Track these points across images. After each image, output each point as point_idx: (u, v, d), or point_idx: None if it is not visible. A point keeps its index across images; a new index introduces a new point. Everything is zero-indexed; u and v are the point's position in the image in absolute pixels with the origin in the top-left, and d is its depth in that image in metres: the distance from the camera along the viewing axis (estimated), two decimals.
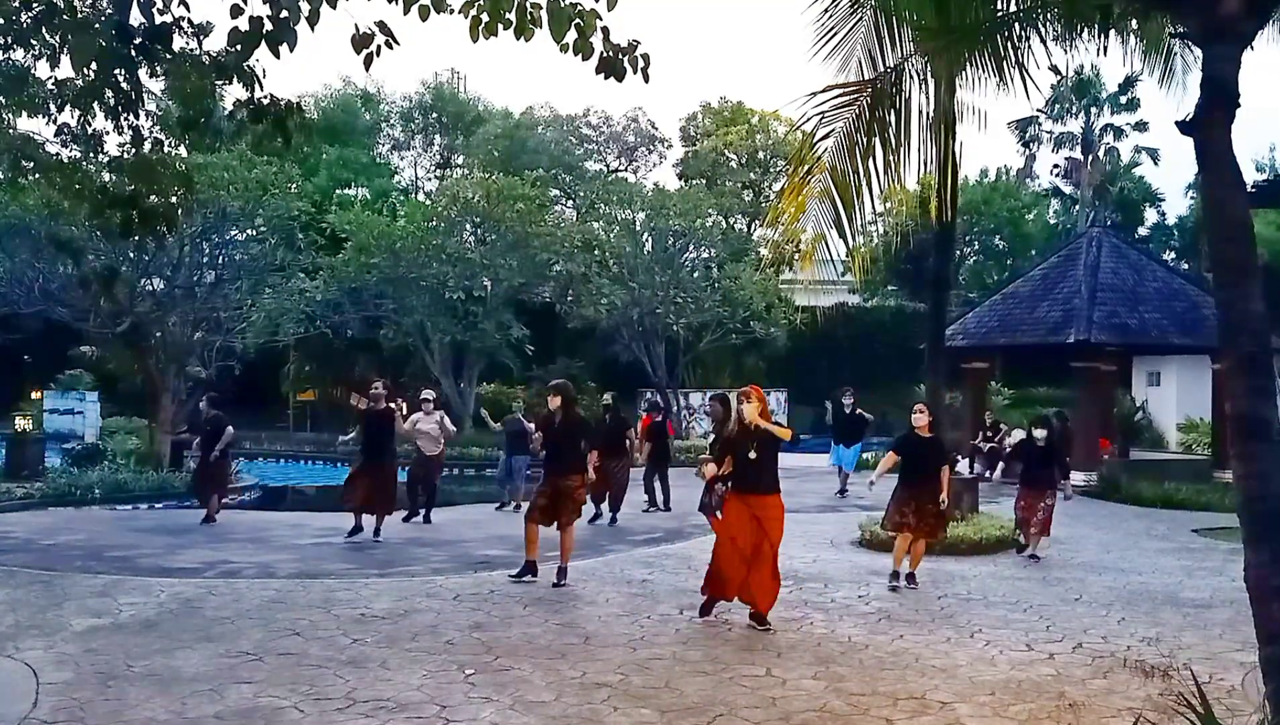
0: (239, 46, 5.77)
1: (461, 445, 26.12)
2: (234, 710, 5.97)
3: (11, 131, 8.07)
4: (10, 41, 6.93)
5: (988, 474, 19.22)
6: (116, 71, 6.60)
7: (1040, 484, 11.90)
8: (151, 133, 7.74)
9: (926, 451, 10.20)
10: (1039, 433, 12.18)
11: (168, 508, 16.63)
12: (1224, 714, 5.53)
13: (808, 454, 23.84)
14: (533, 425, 16.15)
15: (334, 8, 5.72)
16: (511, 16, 5.80)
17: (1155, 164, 42.64)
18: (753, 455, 8.35)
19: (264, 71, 6.55)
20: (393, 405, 12.95)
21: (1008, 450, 21.41)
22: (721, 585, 8.41)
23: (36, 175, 8.66)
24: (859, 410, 18.30)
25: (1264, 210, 28.53)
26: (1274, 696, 4.91)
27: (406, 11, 5.80)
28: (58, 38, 6.59)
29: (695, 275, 30.04)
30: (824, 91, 9.40)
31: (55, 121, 7.57)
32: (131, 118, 7.13)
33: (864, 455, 19.28)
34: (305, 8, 5.65)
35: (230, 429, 14.43)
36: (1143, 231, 42.83)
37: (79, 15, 6.40)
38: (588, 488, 10.56)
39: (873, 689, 6.58)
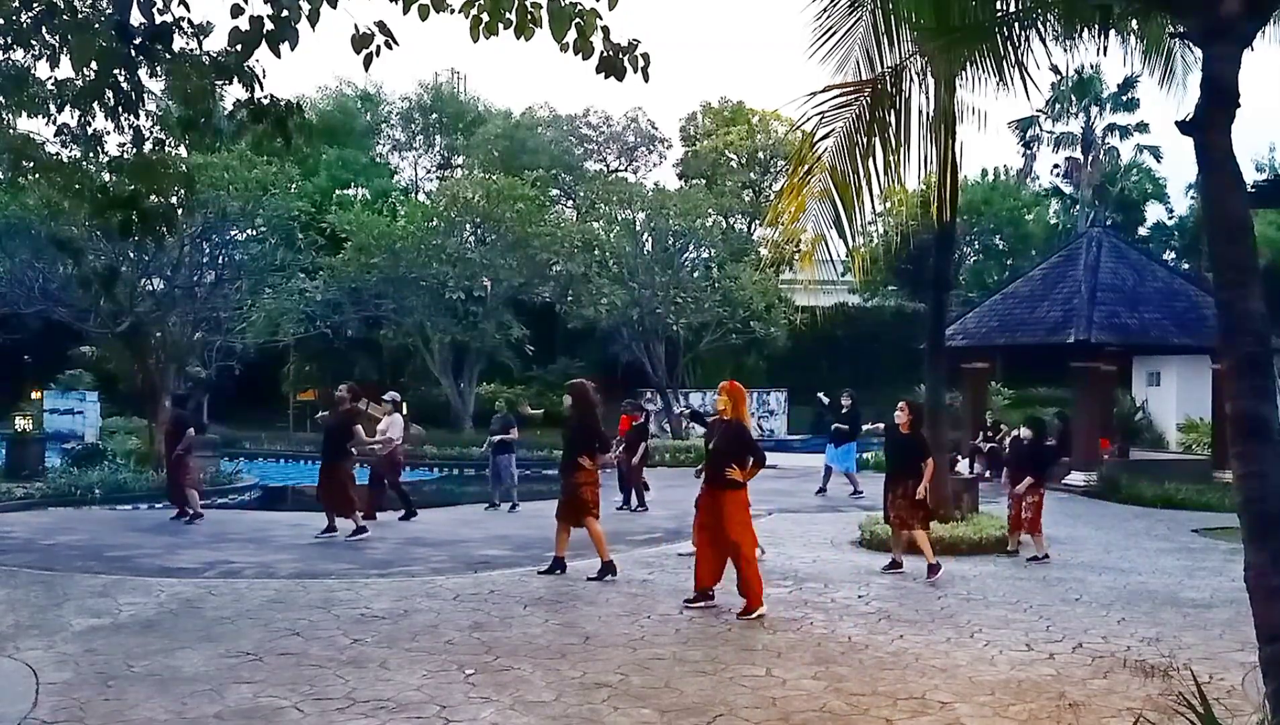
0: (239, 46, 5.76)
1: (460, 445, 26.15)
2: (234, 710, 5.97)
3: (11, 131, 8.07)
4: (10, 41, 6.93)
5: (988, 474, 19.25)
6: (116, 71, 6.58)
7: (1020, 481, 12.01)
8: (152, 133, 7.72)
9: (900, 447, 10.92)
10: (1025, 432, 12.49)
11: (168, 508, 16.61)
12: (1224, 714, 5.53)
13: (810, 454, 23.89)
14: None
15: (334, 7, 5.72)
16: (511, 16, 5.79)
17: (1158, 161, 42.68)
18: (712, 446, 8.93)
19: (264, 71, 6.55)
20: (354, 406, 13.20)
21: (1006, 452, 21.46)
22: (697, 575, 8.94)
23: (36, 175, 8.65)
24: (853, 409, 18.13)
25: (1264, 210, 28.56)
26: (1274, 696, 4.90)
27: (406, 11, 5.79)
28: (58, 38, 6.58)
29: (695, 275, 30.05)
30: (824, 91, 9.40)
31: (55, 121, 7.57)
32: (131, 118, 7.12)
33: (864, 456, 19.16)
34: (305, 7, 5.64)
35: (191, 431, 14.50)
36: (1143, 231, 42.84)
37: (79, 15, 6.39)
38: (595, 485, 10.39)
39: (873, 689, 6.58)
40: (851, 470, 18.08)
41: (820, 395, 19.45)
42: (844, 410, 18.06)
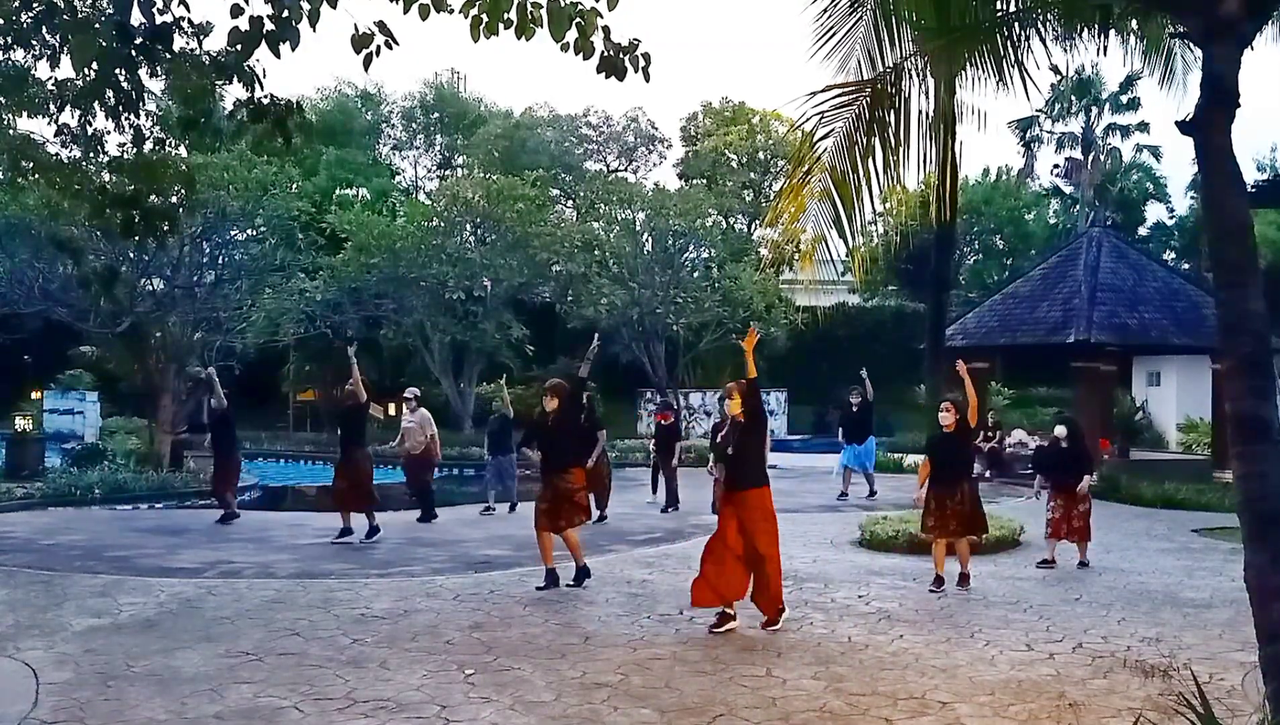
0: (239, 46, 5.77)
1: (460, 445, 26.11)
2: (234, 710, 5.97)
3: (11, 131, 8.08)
4: (10, 41, 6.94)
5: (988, 474, 19.26)
6: (116, 71, 6.60)
7: (1074, 488, 11.41)
8: (152, 133, 7.74)
9: (950, 449, 10.11)
10: (1060, 431, 11.75)
11: (167, 508, 16.63)
12: (1224, 714, 5.53)
13: (810, 454, 23.88)
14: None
15: (334, 7, 5.73)
16: (512, 16, 5.80)
17: (1157, 161, 42.69)
18: (730, 451, 8.41)
19: (264, 71, 6.56)
20: (357, 399, 12.95)
21: (1015, 450, 21.40)
22: (701, 591, 8.13)
23: (36, 175, 8.67)
24: (864, 405, 17.79)
25: (1264, 210, 28.58)
26: (1274, 696, 4.91)
27: (406, 11, 5.80)
28: (58, 38, 6.60)
29: (695, 275, 30.06)
30: (823, 91, 9.36)
31: (55, 121, 7.59)
32: (132, 118, 7.14)
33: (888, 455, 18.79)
34: (306, 7, 5.65)
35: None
36: (1143, 231, 42.86)
37: (79, 15, 6.40)
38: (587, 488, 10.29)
39: (873, 689, 6.58)
40: (870, 469, 17.70)
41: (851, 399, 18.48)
42: (854, 408, 17.73)
